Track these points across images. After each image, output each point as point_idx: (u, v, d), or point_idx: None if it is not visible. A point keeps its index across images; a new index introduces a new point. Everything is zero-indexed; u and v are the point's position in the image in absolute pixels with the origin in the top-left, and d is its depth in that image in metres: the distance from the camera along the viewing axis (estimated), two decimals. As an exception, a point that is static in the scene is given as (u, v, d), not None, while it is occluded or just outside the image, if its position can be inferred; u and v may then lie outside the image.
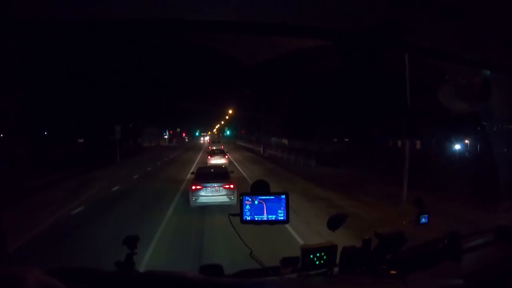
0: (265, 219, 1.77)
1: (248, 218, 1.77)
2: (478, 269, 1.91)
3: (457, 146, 26.55)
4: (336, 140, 44.46)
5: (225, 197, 10.11)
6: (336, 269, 1.90)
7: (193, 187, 10.23)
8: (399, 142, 33.62)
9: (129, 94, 48.21)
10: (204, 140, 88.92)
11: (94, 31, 1.81)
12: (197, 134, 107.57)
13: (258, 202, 1.77)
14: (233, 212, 1.81)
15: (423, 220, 2.10)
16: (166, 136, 74.09)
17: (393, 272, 1.79)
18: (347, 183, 15.56)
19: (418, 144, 32.47)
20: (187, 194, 10.60)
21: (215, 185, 10.12)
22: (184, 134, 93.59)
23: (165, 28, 1.77)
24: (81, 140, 43.94)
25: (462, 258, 1.97)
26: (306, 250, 1.82)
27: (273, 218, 1.77)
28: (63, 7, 1.40)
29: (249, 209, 1.78)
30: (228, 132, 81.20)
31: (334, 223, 1.92)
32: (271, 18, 1.62)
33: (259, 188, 1.81)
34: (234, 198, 10.07)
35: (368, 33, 1.66)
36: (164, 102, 62.26)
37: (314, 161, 22.88)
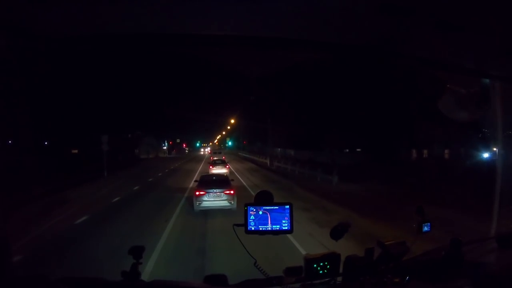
0: (269, 229, 1.75)
1: (253, 228, 1.75)
2: (481, 276, 1.86)
3: (486, 155, 23.25)
4: (347, 150, 40.61)
5: (226, 201, 10.53)
6: (339, 279, 1.85)
7: (197, 193, 10.58)
8: (425, 152, 29.60)
9: (128, 104, 45.40)
10: (204, 151, 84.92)
11: (100, 44, 1.86)
12: (197, 145, 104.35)
13: (263, 213, 1.75)
14: (237, 221, 1.80)
15: (425, 228, 2.05)
16: (165, 147, 69.92)
17: (396, 280, 1.74)
18: (390, 206, 11.60)
19: (446, 154, 28.50)
20: (174, 242, 7.75)
21: (217, 191, 10.54)
22: (184, 145, 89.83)
23: (170, 42, 1.81)
24: (75, 151, 41.49)
25: (464, 265, 1.94)
26: (310, 260, 1.80)
27: (278, 228, 1.75)
28: (67, 23, 1.48)
29: (253, 219, 1.75)
30: (230, 143, 77.16)
31: (337, 233, 1.88)
32: (272, 32, 1.67)
33: (263, 199, 1.79)
34: (234, 203, 10.52)
35: (368, 45, 1.74)
36: (164, 112, 58.96)
37: (336, 176, 18.81)
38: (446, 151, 28.32)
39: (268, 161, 34.35)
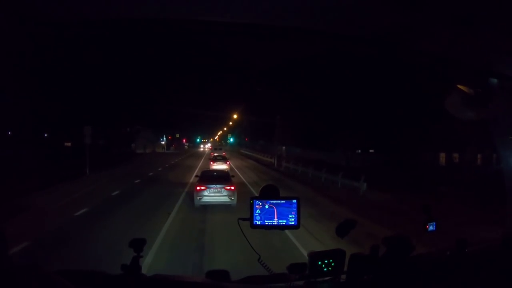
0: (275, 223, 1.69)
1: (258, 223, 1.68)
2: (485, 276, 1.78)
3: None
4: (359, 151, 37.08)
5: (226, 197, 10.28)
6: (343, 276, 1.78)
7: (198, 188, 10.33)
8: (456, 156, 25.99)
9: (127, 97, 42.46)
10: (204, 147, 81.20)
11: (101, 29, 1.86)
12: (198, 140, 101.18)
13: (269, 207, 1.68)
14: (242, 216, 1.73)
15: (431, 227, 2.01)
16: (163, 142, 65.98)
17: (401, 279, 1.70)
18: (451, 228, 7.91)
19: (479, 159, 24.94)
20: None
21: (218, 187, 10.29)
22: (184, 140, 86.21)
23: (174, 28, 1.76)
24: (68, 144, 39.43)
25: (469, 265, 1.87)
26: (314, 257, 1.72)
27: (284, 223, 1.69)
28: (66, 7, 1.43)
29: (259, 214, 1.68)
30: (231, 139, 73.42)
31: (343, 230, 1.83)
32: (282, 21, 1.59)
33: (269, 193, 1.72)
34: (234, 198, 10.32)
35: (376, 38, 1.70)
36: (164, 106, 55.47)
37: (365, 183, 15.22)
38: (479, 155, 24.77)
39: (274, 161, 30.77)
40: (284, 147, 43.90)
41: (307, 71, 34.07)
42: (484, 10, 1.34)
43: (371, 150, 36.98)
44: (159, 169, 23.84)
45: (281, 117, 34.88)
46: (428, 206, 2.03)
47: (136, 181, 16.57)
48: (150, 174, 20.27)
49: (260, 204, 1.67)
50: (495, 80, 2.05)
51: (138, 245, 1.65)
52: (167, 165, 27.49)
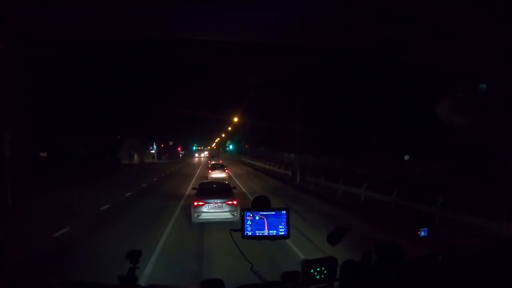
0: (266, 234, 1.70)
1: (250, 233, 1.69)
2: (478, 281, 1.72)
3: None
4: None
5: (228, 213, 9.10)
6: (336, 284, 1.77)
7: (195, 203, 9.12)
8: None
9: (115, 101, 36.74)
10: (200, 156, 72.88)
11: (103, 48, 2.14)
12: (194, 148, 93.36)
13: (259, 218, 1.70)
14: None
15: (423, 233, 2.01)
16: (153, 151, 57.25)
17: (393, 285, 1.68)
18: None
19: None
20: None
21: (218, 201, 9.08)
22: (179, 148, 78.04)
23: (169, 47, 1.99)
24: (44, 154, 32.61)
25: (462, 269, 1.83)
26: (307, 264, 1.73)
27: (274, 233, 1.70)
28: (68, 26, 1.48)
29: (250, 225, 1.69)
30: (231, 147, 65.30)
31: (334, 238, 1.82)
32: (271, 38, 1.66)
33: (260, 204, 1.74)
34: (237, 214, 9.04)
35: (365, 51, 1.77)
36: (158, 111, 48.05)
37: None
38: None
39: (293, 174, 23.02)
40: (293, 155, 36.36)
41: (323, 70, 27.07)
42: (469, 19, 1.34)
43: (406, 157, 29.39)
44: (128, 194, 15.68)
45: (288, 120, 28.08)
46: (420, 213, 2.01)
47: (53, 236, 8.23)
48: (106, 206, 12.08)
49: (251, 215, 1.67)
50: (484, 86, 2.12)
51: (134, 256, 1.66)
52: (145, 185, 19.37)
